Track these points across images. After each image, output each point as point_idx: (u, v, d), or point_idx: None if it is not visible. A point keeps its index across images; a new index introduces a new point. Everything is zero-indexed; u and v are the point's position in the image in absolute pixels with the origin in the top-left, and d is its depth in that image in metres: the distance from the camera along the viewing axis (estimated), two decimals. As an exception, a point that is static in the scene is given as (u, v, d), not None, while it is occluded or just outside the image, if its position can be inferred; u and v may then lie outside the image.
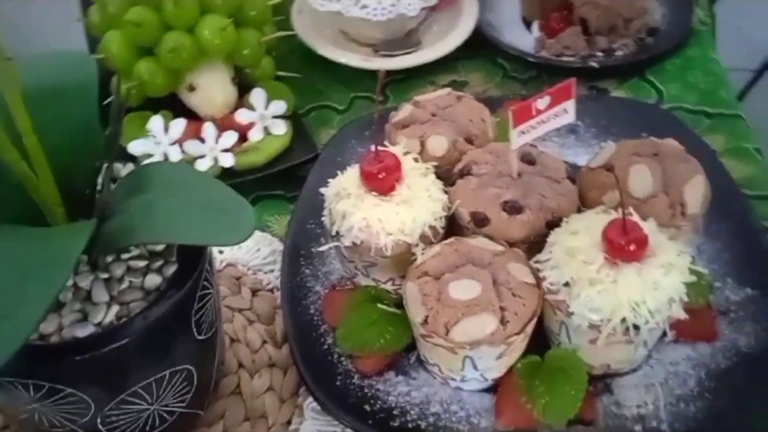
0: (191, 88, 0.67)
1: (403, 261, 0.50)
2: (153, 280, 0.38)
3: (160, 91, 0.67)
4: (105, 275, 0.37)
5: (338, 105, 0.76)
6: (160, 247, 0.39)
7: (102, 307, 0.36)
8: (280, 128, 0.67)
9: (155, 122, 0.64)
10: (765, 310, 0.51)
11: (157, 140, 0.63)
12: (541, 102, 0.48)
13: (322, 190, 0.54)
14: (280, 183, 0.66)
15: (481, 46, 0.79)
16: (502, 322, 0.44)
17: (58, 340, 0.35)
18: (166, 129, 0.64)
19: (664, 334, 0.49)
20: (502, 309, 0.45)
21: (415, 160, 0.53)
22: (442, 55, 0.76)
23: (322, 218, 0.53)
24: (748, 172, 0.64)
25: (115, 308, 0.36)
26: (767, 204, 0.62)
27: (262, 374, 0.52)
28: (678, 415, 0.46)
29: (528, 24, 0.82)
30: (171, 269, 0.39)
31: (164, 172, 0.40)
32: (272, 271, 0.59)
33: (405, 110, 0.59)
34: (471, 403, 0.49)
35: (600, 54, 0.77)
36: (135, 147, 0.63)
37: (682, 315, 0.44)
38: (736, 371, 0.48)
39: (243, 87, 0.69)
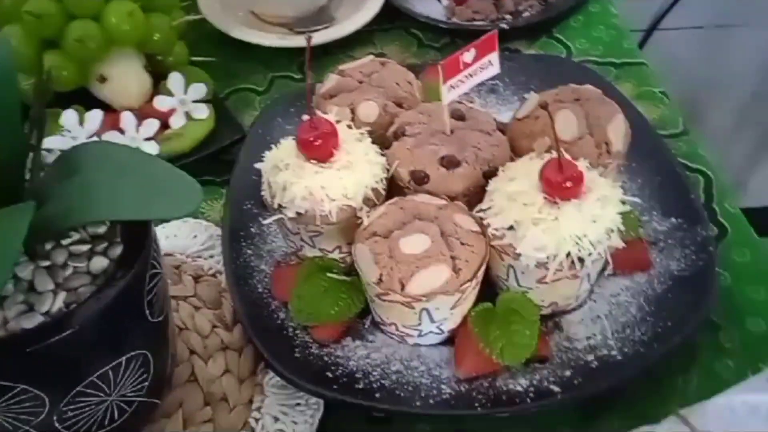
0: (102, 79, 0.64)
1: (348, 227, 0.50)
2: (99, 263, 0.36)
3: (69, 85, 0.63)
4: (46, 263, 0.35)
5: (257, 86, 0.75)
6: (102, 229, 0.38)
7: (48, 296, 0.34)
8: (203, 112, 0.65)
9: (68, 117, 0.61)
10: (690, 235, 0.54)
11: (72, 134, 0.60)
12: (468, 55, 0.49)
13: (258, 165, 0.53)
14: (208, 168, 0.65)
15: (393, 18, 0.80)
16: (455, 270, 0.45)
17: (5, 333, 0.33)
18: (81, 123, 0.61)
19: (604, 268, 0.52)
20: (453, 258, 0.46)
21: (349, 126, 0.53)
22: (357, 28, 0.76)
23: (261, 193, 0.52)
24: (658, 114, 0.68)
25: (62, 295, 0.34)
26: (677, 141, 0.66)
27: (216, 358, 0.51)
28: (626, 340, 0.49)
29: (436, -7, 0.83)
30: (117, 250, 0.37)
31: (96, 152, 0.38)
32: (212, 256, 0.58)
33: (331, 80, 0.59)
34: (430, 356, 0.50)
35: (508, 16, 0.79)
36: (50, 144, 0.59)
37: (620, 244, 0.47)
38: (671, 293, 0.51)
39: (157, 76, 0.67)
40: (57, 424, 0.37)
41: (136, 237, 0.38)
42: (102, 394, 0.37)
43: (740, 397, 0.42)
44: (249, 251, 0.56)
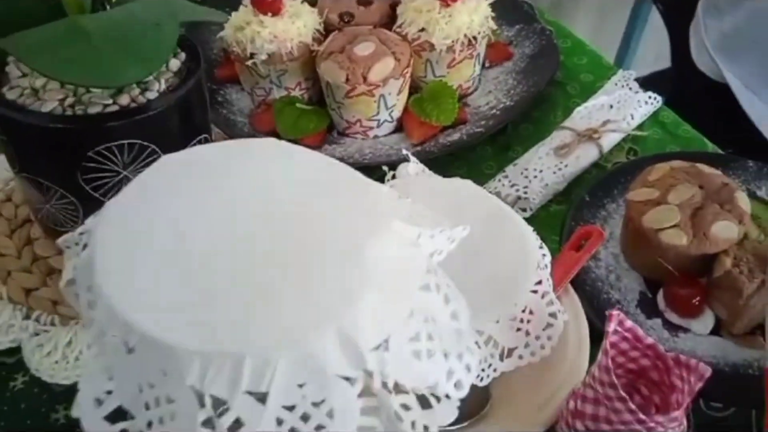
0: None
1: (305, 62, 0.67)
2: (174, 64, 0.50)
3: None
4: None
5: None
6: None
7: (154, 83, 0.47)
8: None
9: None
10: (531, 31, 0.78)
11: None
12: None
13: (221, 34, 0.67)
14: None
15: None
16: (397, 60, 0.64)
17: (136, 104, 0.46)
18: None
19: (484, 64, 0.73)
20: (393, 54, 0.64)
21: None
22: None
23: (230, 50, 0.67)
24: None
25: (162, 82, 0.48)
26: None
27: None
28: (509, 96, 0.71)
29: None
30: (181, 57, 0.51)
31: None
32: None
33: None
34: (388, 143, 0.68)
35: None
36: None
37: (493, 26, 0.68)
38: (530, 65, 0.74)
39: None
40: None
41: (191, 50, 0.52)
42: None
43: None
44: (224, 111, 0.70)
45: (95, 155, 0.46)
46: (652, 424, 0.37)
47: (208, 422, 0.23)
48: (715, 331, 0.53)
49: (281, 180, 0.28)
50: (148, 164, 0.46)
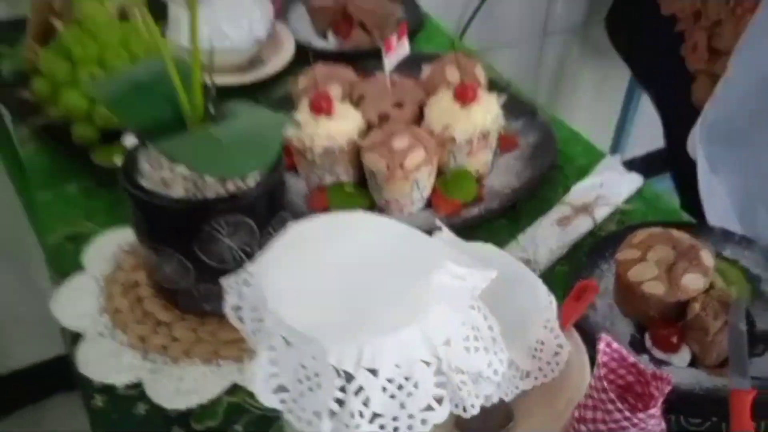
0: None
1: (352, 153, 0.83)
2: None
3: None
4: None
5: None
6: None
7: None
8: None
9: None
10: (533, 125, 0.94)
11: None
12: (394, 40, 0.86)
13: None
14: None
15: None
16: (427, 152, 0.80)
17: (240, 191, 0.61)
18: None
19: (496, 153, 0.89)
20: (423, 146, 0.80)
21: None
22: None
23: (292, 145, 0.83)
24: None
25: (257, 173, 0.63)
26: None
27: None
28: (519, 177, 0.86)
29: (324, 35, 1.19)
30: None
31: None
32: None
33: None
34: (420, 217, 0.83)
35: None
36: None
37: (503, 121, 0.85)
38: (534, 154, 0.90)
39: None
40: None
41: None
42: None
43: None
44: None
45: (208, 227, 0.61)
46: (635, 420, 0.50)
47: (341, 389, 0.36)
48: (692, 364, 0.66)
49: (374, 236, 0.43)
50: (245, 233, 0.61)
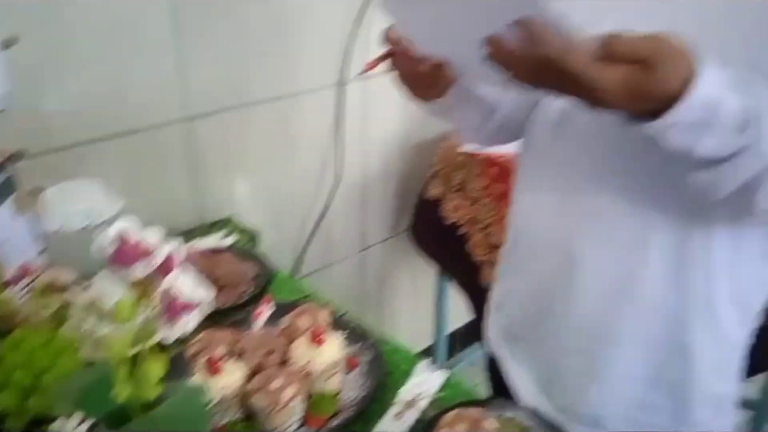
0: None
1: (241, 397, 1.13)
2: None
3: None
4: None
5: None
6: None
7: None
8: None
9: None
10: (364, 347, 1.31)
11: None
12: (264, 305, 1.20)
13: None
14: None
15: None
16: (298, 385, 1.12)
17: None
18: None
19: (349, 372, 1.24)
20: (294, 382, 1.13)
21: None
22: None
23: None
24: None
25: None
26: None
27: None
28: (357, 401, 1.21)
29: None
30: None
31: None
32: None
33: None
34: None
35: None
36: None
37: (347, 349, 1.20)
38: (371, 372, 1.26)
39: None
40: None
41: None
42: None
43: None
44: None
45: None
46: None
47: None
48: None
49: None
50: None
